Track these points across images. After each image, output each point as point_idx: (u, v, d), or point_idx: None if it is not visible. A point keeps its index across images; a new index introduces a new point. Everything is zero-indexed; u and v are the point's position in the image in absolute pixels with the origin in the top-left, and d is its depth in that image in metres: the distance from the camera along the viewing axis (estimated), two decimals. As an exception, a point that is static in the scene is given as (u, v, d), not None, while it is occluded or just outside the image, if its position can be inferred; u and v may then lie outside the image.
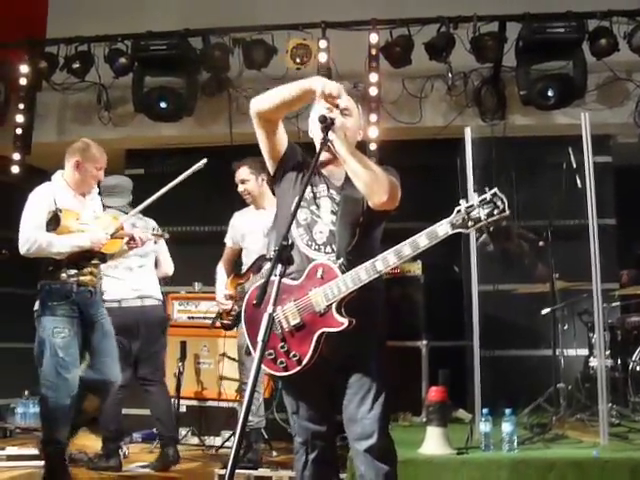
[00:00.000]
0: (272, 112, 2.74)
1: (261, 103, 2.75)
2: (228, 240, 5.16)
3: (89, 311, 4.24)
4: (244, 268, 5.00)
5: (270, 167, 2.92)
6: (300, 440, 2.84)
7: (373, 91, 6.16)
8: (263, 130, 2.80)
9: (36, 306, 4.21)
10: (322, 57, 6.20)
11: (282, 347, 2.67)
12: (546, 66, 6.17)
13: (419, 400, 5.64)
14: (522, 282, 5.89)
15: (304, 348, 2.64)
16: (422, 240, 2.55)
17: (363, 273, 2.59)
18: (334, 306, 2.61)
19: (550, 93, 6.09)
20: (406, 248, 2.58)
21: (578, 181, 4.81)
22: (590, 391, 5.01)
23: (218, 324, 5.22)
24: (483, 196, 2.51)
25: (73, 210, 4.30)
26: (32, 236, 4.12)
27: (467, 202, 2.53)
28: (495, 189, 2.51)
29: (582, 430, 4.58)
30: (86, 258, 4.25)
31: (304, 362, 2.63)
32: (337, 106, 2.71)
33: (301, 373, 2.66)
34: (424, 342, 5.99)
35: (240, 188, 5.01)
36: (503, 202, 2.48)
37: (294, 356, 2.65)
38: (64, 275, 4.16)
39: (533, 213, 5.54)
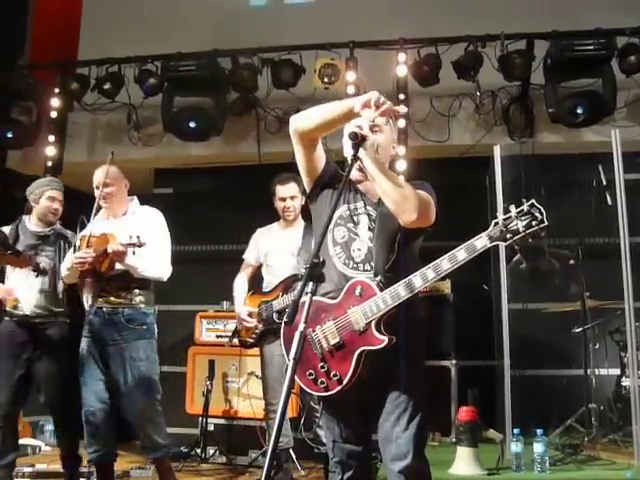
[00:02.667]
0: (312, 131, 2.72)
1: (301, 121, 2.73)
2: (249, 256, 5.09)
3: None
4: (266, 286, 4.93)
5: (306, 185, 2.91)
6: (336, 460, 2.82)
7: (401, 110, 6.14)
8: (301, 147, 2.78)
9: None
10: (350, 76, 6.23)
11: (322, 367, 2.66)
12: (575, 83, 6.14)
13: (449, 420, 5.60)
14: (552, 301, 5.84)
15: (344, 367, 2.62)
16: (461, 254, 2.54)
17: (402, 290, 2.58)
18: (373, 324, 2.60)
19: (579, 110, 6.05)
20: (445, 263, 2.56)
21: (609, 199, 4.78)
22: (623, 411, 4.95)
23: (235, 341, 5.17)
24: (520, 207, 2.49)
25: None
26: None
27: (504, 214, 2.51)
28: (532, 200, 2.49)
29: (615, 451, 4.53)
30: None
31: (345, 381, 2.61)
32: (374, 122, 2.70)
33: (340, 393, 2.64)
34: (453, 361, 5.94)
35: (288, 204, 4.85)
36: (541, 213, 2.47)
37: (334, 376, 2.63)
38: None
39: (564, 231, 5.49)
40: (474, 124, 6.57)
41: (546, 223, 2.46)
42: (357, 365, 2.60)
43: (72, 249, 4.33)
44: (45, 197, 4.80)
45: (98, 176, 4.41)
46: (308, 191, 2.91)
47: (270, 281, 4.91)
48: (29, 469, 5.06)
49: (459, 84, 6.32)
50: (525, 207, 2.49)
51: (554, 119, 6.20)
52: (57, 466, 5.20)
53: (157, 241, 4.25)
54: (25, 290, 4.61)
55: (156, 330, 4.35)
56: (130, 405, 4.19)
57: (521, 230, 2.48)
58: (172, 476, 4.36)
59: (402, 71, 6.25)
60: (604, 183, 4.94)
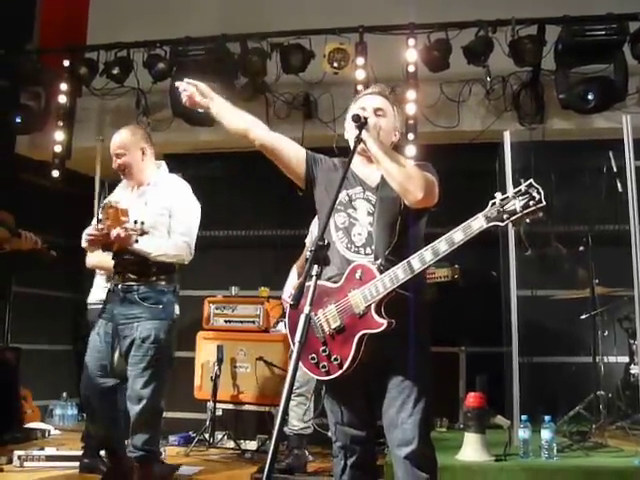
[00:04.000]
0: (245, 135, 2.88)
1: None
2: (307, 241, 5.15)
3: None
4: None
5: (300, 184, 2.94)
6: (339, 444, 2.83)
7: (411, 95, 6.13)
8: (271, 156, 2.89)
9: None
10: (359, 61, 6.20)
11: (324, 351, 2.66)
12: (586, 69, 6.09)
13: (456, 406, 5.61)
14: (561, 288, 5.82)
15: (345, 351, 2.62)
16: (457, 235, 2.50)
17: (400, 272, 2.57)
18: (373, 307, 2.60)
19: (590, 96, 6.00)
20: (442, 244, 2.54)
21: (619, 185, 4.75)
22: (631, 399, 4.94)
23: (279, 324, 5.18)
24: (518, 188, 2.44)
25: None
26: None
27: (502, 195, 2.47)
28: (531, 179, 2.43)
29: (623, 438, 4.52)
30: None
31: (345, 365, 2.61)
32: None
33: (341, 378, 2.64)
34: (462, 348, 5.94)
35: None
36: (539, 192, 2.40)
37: (335, 360, 2.63)
38: None
39: (573, 218, 5.47)
40: (484, 110, 6.53)
41: (544, 203, 2.39)
42: (358, 349, 2.60)
43: (95, 219, 4.04)
44: None
45: (111, 145, 4.06)
46: (303, 186, 2.92)
47: None
48: (38, 452, 5.09)
49: (469, 69, 6.27)
50: (523, 187, 2.43)
51: (565, 105, 6.15)
52: (67, 450, 5.26)
53: (176, 221, 3.95)
54: None
55: (176, 311, 3.94)
56: (130, 392, 3.81)
57: (518, 210, 2.42)
58: None
59: (412, 56, 6.20)
60: (614, 170, 4.91)
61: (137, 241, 3.69)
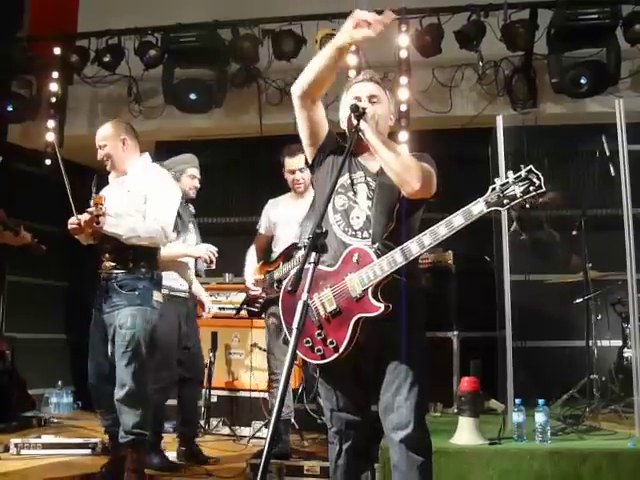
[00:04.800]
0: (313, 84, 2.72)
1: (301, 82, 2.75)
2: (261, 227, 5.15)
3: None
4: (274, 256, 4.99)
5: (309, 154, 2.93)
6: (334, 429, 2.84)
7: (403, 81, 6.11)
8: (304, 111, 2.79)
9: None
10: (351, 47, 6.16)
11: (319, 334, 2.67)
12: (579, 53, 6.08)
13: (450, 391, 5.62)
14: (554, 272, 5.84)
15: (341, 335, 2.63)
16: (457, 220, 2.52)
17: (398, 256, 2.58)
18: (370, 291, 2.60)
19: (583, 81, 6.00)
20: (441, 229, 2.55)
21: (612, 169, 4.75)
22: (624, 382, 4.96)
23: (243, 312, 5.20)
24: (518, 173, 2.47)
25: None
26: None
27: (502, 180, 2.49)
28: (530, 165, 2.46)
29: (616, 421, 4.54)
30: None
31: (341, 349, 2.62)
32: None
33: (337, 362, 2.65)
34: (455, 333, 5.96)
35: (297, 176, 4.85)
36: (539, 178, 2.44)
37: (331, 343, 2.64)
38: None
39: (566, 202, 5.47)
40: (476, 95, 6.53)
41: (544, 189, 2.43)
42: (354, 333, 2.61)
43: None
44: (187, 175, 5.01)
45: (96, 138, 4.24)
46: (311, 160, 2.92)
47: (277, 252, 4.96)
48: (35, 440, 5.10)
49: (461, 54, 6.27)
50: (523, 173, 2.46)
51: (557, 89, 6.15)
52: (63, 437, 5.27)
53: (150, 206, 4.02)
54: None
55: (154, 297, 4.01)
56: (116, 378, 3.89)
57: (518, 195, 2.45)
58: (137, 472, 3.94)
59: (404, 41, 6.18)
60: (607, 154, 4.91)
61: (98, 223, 3.80)
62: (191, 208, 5.18)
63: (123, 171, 4.21)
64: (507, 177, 2.48)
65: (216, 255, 5.00)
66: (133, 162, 4.22)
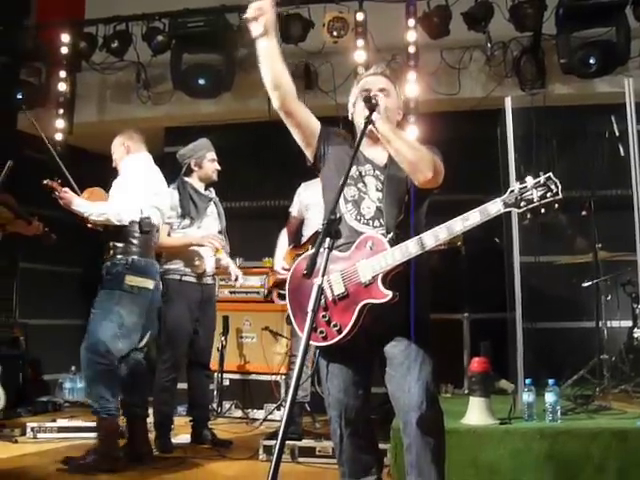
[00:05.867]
0: (275, 83, 2.74)
1: (270, 93, 2.78)
2: (293, 209, 5.19)
3: None
4: (303, 240, 5.01)
5: (308, 154, 2.96)
6: (335, 413, 2.84)
7: (411, 63, 6.10)
8: (290, 118, 2.84)
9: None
10: (359, 30, 6.16)
11: (324, 316, 2.69)
12: (587, 33, 6.02)
13: (461, 372, 5.65)
14: (564, 253, 5.83)
15: (346, 318, 2.66)
16: (474, 217, 2.59)
17: (412, 247, 2.62)
18: (380, 278, 2.63)
19: (592, 61, 5.96)
20: (457, 224, 2.60)
21: (621, 150, 4.74)
22: (634, 362, 4.97)
23: (275, 295, 5.23)
24: (537, 179, 2.54)
25: None
26: None
27: (521, 184, 2.55)
28: (550, 173, 2.54)
29: (626, 401, 4.55)
30: None
31: (344, 332, 2.65)
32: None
33: (338, 345, 2.67)
34: (465, 314, 5.98)
35: None
36: (557, 186, 2.52)
37: (335, 326, 2.67)
38: None
39: (575, 183, 5.46)
40: (485, 76, 6.50)
41: (560, 196, 2.52)
42: (358, 317, 2.64)
43: None
44: (208, 159, 5.11)
45: None
46: (312, 159, 2.94)
47: (306, 235, 5.00)
48: (51, 424, 5.18)
49: (469, 36, 6.24)
50: (542, 179, 2.54)
51: (566, 70, 6.12)
52: (78, 421, 5.34)
53: (113, 191, 4.46)
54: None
55: (126, 282, 4.31)
56: None
57: (535, 200, 2.53)
58: (106, 442, 4.24)
59: (412, 23, 6.16)
60: (617, 134, 4.89)
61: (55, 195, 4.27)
62: (212, 193, 5.19)
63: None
64: (526, 182, 2.55)
65: (222, 243, 5.02)
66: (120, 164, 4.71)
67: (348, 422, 2.83)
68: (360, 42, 6.11)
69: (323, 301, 2.70)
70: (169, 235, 4.97)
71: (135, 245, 4.37)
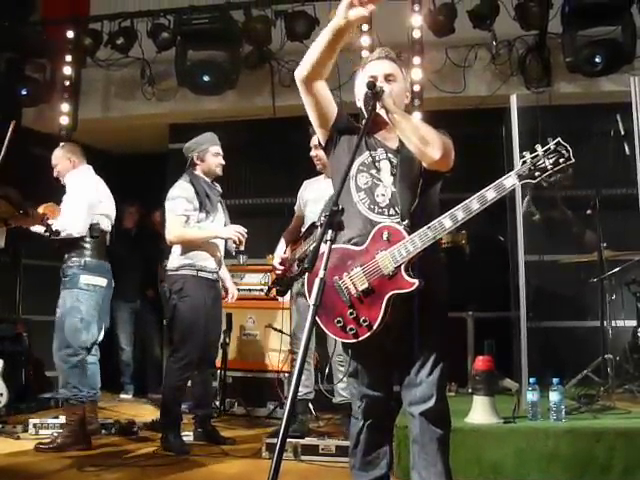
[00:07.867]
0: (316, 67, 2.70)
1: (303, 66, 2.73)
2: (296, 207, 5.18)
3: None
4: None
5: (321, 136, 2.91)
6: (358, 404, 2.85)
7: (416, 61, 6.08)
8: (310, 95, 2.77)
9: None
10: (364, 27, 6.14)
11: (351, 314, 2.66)
12: (593, 31, 6.00)
13: (465, 371, 5.64)
14: (569, 252, 5.82)
15: (374, 313, 2.62)
16: (489, 194, 2.56)
17: (431, 232, 2.59)
18: (403, 267, 2.60)
19: (597, 59, 5.94)
20: (474, 203, 2.57)
21: (626, 148, 4.72)
22: (638, 362, 4.96)
23: (273, 292, 5.22)
24: (547, 146, 2.51)
25: None
26: None
27: (531, 153, 2.53)
28: (558, 138, 2.51)
29: (630, 401, 4.55)
30: None
31: (375, 327, 2.62)
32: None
33: (365, 340, 2.65)
34: (469, 313, 5.97)
35: (312, 153, 4.92)
36: (568, 150, 2.50)
37: (364, 321, 2.63)
38: None
39: (580, 182, 5.44)
40: (490, 74, 6.49)
41: (573, 160, 2.49)
42: (386, 310, 2.61)
43: None
44: (211, 153, 5.06)
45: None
46: (324, 141, 2.91)
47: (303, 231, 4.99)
48: (53, 420, 5.17)
49: (475, 34, 6.23)
50: (552, 145, 2.52)
51: (572, 68, 6.10)
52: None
53: (68, 206, 4.76)
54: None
55: (82, 281, 4.74)
56: None
57: (549, 167, 2.51)
58: (75, 423, 4.65)
59: (417, 21, 6.15)
60: (622, 133, 4.88)
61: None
62: (218, 187, 5.16)
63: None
64: (537, 150, 2.52)
65: (245, 236, 4.93)
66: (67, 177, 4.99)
67: (370, 415, 2.83)
68: (365, 40, 6.09)
69: (348, 298, 2.67)
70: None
71: (87, 249, 4.79)
